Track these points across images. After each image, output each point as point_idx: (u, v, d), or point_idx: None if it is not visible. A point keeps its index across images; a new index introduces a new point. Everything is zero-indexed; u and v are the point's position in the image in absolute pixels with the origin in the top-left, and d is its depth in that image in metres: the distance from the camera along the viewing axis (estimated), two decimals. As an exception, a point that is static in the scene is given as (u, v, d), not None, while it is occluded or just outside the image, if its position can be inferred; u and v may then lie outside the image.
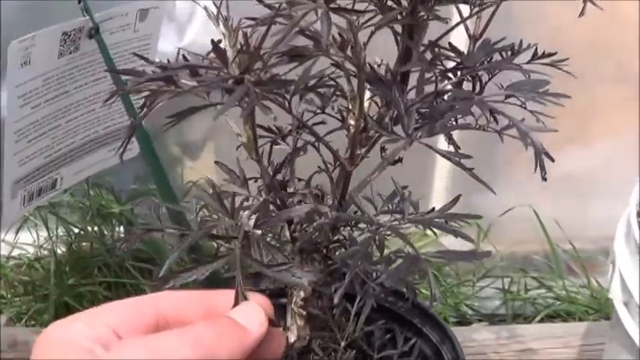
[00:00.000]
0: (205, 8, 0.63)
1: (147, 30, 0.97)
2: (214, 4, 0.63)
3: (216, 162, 0.68)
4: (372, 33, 0.52)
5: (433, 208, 0.61)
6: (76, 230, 1.26)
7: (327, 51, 0.51)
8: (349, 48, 0.52)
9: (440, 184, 1.31)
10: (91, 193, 1.27)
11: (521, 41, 0.67)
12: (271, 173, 0.63)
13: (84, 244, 1.26)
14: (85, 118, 0.97)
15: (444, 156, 0.52)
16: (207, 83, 0.53)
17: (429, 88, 0.58)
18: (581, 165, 1.34)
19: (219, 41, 0.61)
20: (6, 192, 0.91)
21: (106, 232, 1.27)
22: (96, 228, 1.26)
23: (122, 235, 1.27)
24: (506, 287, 1.25)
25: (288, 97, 0.59)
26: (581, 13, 0.59)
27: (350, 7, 0.52)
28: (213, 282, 0.74)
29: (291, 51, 0.51)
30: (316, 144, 0.63)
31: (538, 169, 0.54)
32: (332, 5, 0.46)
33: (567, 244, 1.29)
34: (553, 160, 0.53)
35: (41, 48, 0.85)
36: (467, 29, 0.65)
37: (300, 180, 0.64)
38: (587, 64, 1.31)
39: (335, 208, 0.60)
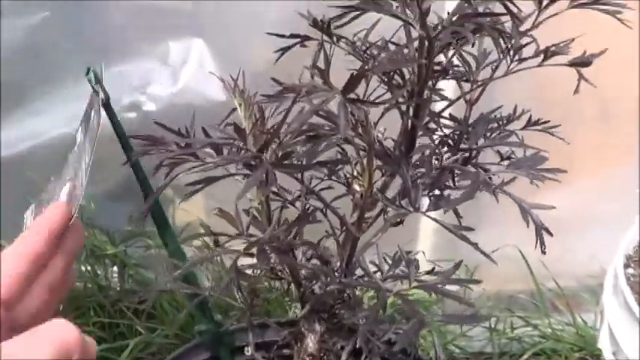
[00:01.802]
0: (222, 80, 0.65)
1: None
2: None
3: (219, 210, 0.70)
4: (382, 114, 0.55)
5: (433, 269, 0.64)
6: (70, 270, 1.27)
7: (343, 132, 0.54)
8: (360, 127, 0.55)
9: (427, 225, 1.33)
10: (85, 234, 1.28)
11: (515, 107, 0.71)
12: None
13: (78, 284, 1.28)
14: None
15: (443, 226, 0.55)
16: (229, 159, 0.56)
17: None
18: (566, 204, 1.37)
19: (234, 110, 0.65)
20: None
21: (99, 273, 1.28)
22: (90, 268, 1.28)
23: (115, 276, 1.28)
24: (493, 326, 1.28)
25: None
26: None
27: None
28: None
29: (308, 131, 0.53)
30: (324, 209, 0.66)
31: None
32: (349, 96, 0.48)
33: (552, 282, 1.32)
34: (552, 235, 0.57)
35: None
36: (465, 97, 0.69)
37: (307, 243, 0.67)
38: (572, 104, 1.35)
39: (343, 271, 0.63)
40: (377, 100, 0.57)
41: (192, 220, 1.30)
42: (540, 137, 1.34)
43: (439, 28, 0.51)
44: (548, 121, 0.69)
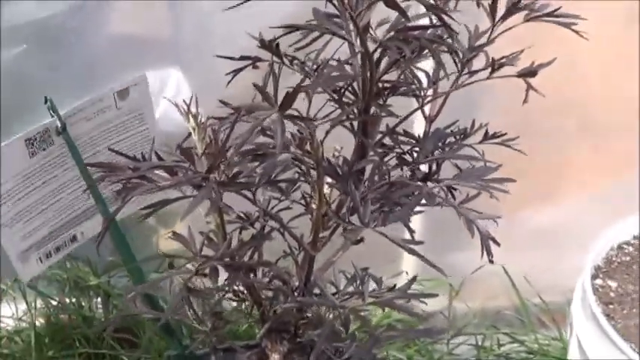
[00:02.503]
0: (176, 105, 0.66)
1: (133, 105, 1.03)
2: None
3: (173, 233, 0.70)
4: (327, 132, 0.55)
5: (395, 286, 0.65)
6: (55, 303, 1.27)
7: (287, 150, 0.54)
8: (307, 145, 0.55)
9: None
10: (68, 266, 1.29)
11: (473, 122, 0.71)
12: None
13: (62, 316, 1.28)
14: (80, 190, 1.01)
15: (397, 244, 0.55)
16: (178, 181, 0.56)
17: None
18: (549, 219, 1.37)
19: (189, 135, 0.65)
20: (15, 262, 0.97)
21: (83, 304, 1.28)
22: (74, 300, 1.28)
23: (100, 307, 1.29)
24: (480, 343, 1.27)
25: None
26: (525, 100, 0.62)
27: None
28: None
29: (253, 151, 0.54)
30: (281, 229, 0.66)
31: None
32: (286, 113, 0.49)
33: (537, 297, 1.32)
34: (499, 245, 0.57)
35: (9, 156, 0.90)
36: (423, 112, 0.69)
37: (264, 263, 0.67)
38: (553, 120, 1.35)
39: (301, 290, 0.63)
40: (323, 118, 0.57)
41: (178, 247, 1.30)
42: (528, 150, 1.34)
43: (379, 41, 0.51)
44: (505, 134, 0.69)
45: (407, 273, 1.23)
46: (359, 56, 0.53)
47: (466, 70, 0.62)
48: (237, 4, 0.56)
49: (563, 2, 1.36)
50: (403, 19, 0.50)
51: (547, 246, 1.34)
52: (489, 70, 0.62)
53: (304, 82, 0.59)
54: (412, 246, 0.56)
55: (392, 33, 0.50)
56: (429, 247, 0.64)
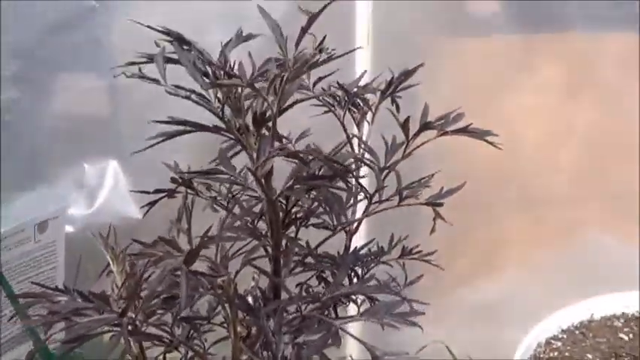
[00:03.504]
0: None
1: (49, 239, 1.04)
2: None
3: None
4: (237, 272, 0.56)
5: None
6: None
7: (197, 291, 0.55)
8: (220, 280, 0.56)
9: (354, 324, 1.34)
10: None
11: (392, 236, 0.73)
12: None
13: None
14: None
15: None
16: (93, 322, 0.57)
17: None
18: (491, 294, 1.39)
19: (108, 264, 0.66)
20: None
21: None
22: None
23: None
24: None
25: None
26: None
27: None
28: None
29: (167, 292, 0.55)
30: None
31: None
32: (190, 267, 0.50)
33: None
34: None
35: None
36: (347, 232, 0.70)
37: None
38: (492, 193, 1.37)
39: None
40: (236, 252, 0.58)
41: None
42: (467, 224, 1.35)
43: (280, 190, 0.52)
44: (421, 251, 0.70)
45: (351, 357, 1.24)
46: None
47: (376, 198, 0.64)
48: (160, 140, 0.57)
49: (501, 74, 1.39)
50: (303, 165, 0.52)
51: (489, 321, 1.36)
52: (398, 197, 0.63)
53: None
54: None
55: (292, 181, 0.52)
56: (373, 327, 0.66)
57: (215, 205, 0.60)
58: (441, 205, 0.62)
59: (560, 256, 1.39)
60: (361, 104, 0.73)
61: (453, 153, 1.29)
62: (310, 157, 0.51)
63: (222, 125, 0.51)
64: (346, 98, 0.71)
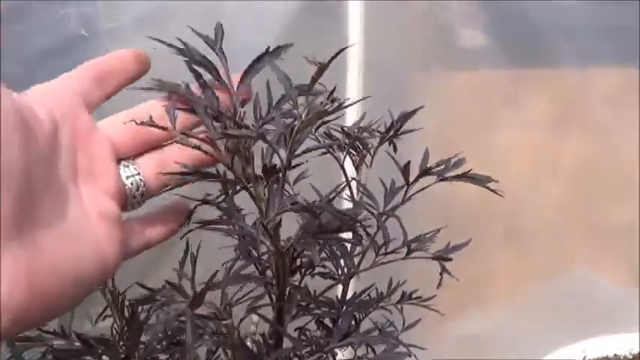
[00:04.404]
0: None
1: None
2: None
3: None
4: (245, 316, 0.56)
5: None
6: None
7: (201, 338, 0.55)
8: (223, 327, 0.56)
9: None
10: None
11: (390, 279, 0.72)
12: None
13: None
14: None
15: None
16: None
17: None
18: (478, 327, 1.38)
19: (106, 307, 0.65)
20: None
21: None
22: None
23: None
24: None
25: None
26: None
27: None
28: None
29: (171, 337, 0.54)
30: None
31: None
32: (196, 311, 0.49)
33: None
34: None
35: None
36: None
37: None
38: (480, 228, 1.37)
39: None
40: (241, 298, 0.58)
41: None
42: (455, 257, 1.35)
43: (290, 242, 0.52)
44: (421, 296, 0.70)
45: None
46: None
47: (383, 251, 0.64)
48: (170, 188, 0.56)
49: (489, 107, 1.40)
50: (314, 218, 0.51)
51: (476, 354, 1.36)
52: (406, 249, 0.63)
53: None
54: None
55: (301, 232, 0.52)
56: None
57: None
58: (449, 259, 0.62)
59: (546, 291, 1.39)
60: (360, 147, 0.73)
61: (440, 186, 1.28)
62: (319, 211, 0.51)
63: (232, 175, 0.50)
64: (347, 141, 0.71)
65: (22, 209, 0.47)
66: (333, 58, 0.54)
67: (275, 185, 0.50)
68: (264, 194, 0.50)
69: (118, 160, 0.59)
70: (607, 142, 1.41)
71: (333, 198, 0.67)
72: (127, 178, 0.59)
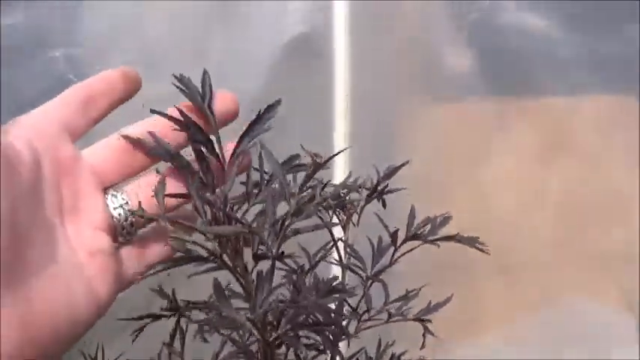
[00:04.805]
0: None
1: None
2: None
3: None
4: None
5: None
6: None
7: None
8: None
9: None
10: None
11: (379, 341, 0.73)
12: None
13: None
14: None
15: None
16: None
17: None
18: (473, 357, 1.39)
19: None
20: None
21: None
22: None
23: None
24: None
25: None
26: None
27: None
28: None
29: None
30: None
31: None
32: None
33: None
34: None
35: None
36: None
37: None
38: (469, 260, 1.37)
39: None
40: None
41: None
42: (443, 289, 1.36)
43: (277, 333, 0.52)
44: None
45: None
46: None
47: (366, 316, 0.64)
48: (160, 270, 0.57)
49: (476, 138, 1.40)
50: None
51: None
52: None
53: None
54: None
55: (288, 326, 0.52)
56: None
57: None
58: (429, 321, 0.63)
59: (539, 321, 1.39)
60: (347, 206, 0.74)
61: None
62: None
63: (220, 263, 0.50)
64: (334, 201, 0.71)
65: (12, 254, 0.45)
66: (330, 158, 0.54)
67: (264, 271, 0.51)
68: (253, 281, 0.50)
69: (106, 189, 0.58)
70: (596, 171, 1.42)
71: (319, 261, 0.68)
72: (115, 208, 0.58)
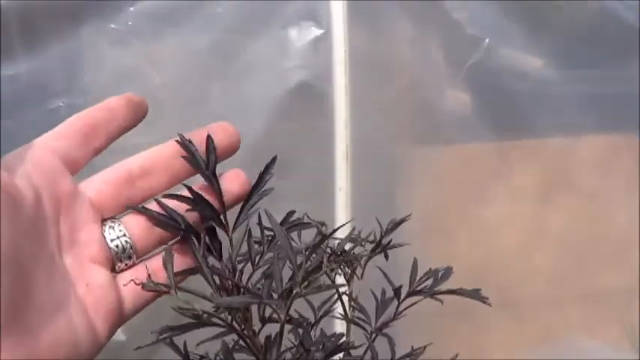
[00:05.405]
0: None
1: None
2: None
3: None
4: None
5: None
6: None
7: None
8: None
9: None
10: None
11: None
12: None
13: None
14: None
15: None
16: None
17: None
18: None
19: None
20: None
21: None
22: None
23: None
24: None
25: None
26: None
27: None
28: None
29: None
30: None
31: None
32: None
33: None
34: None
35: None
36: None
37: None
38: (471, 300, 1.38)
39: None
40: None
41: None
42: (448, 329, 1.36)
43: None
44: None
45: None
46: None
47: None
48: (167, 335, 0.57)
49: (476, 180, 1.41)
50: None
51: None
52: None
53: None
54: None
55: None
56: None
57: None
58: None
59: (538, 359, 1.40)
60: (351, 260, 0.74)
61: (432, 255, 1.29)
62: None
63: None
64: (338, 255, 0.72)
65: (16, 292, 0.45)
66: (334, 231, 0.55)
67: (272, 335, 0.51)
68: (261, 346, 0.51)
69: (103, 220, 0.57)
70: (596, 209, 1.42)
71: (324, 315, 0.68)
72: (112, 240, 0.57)
